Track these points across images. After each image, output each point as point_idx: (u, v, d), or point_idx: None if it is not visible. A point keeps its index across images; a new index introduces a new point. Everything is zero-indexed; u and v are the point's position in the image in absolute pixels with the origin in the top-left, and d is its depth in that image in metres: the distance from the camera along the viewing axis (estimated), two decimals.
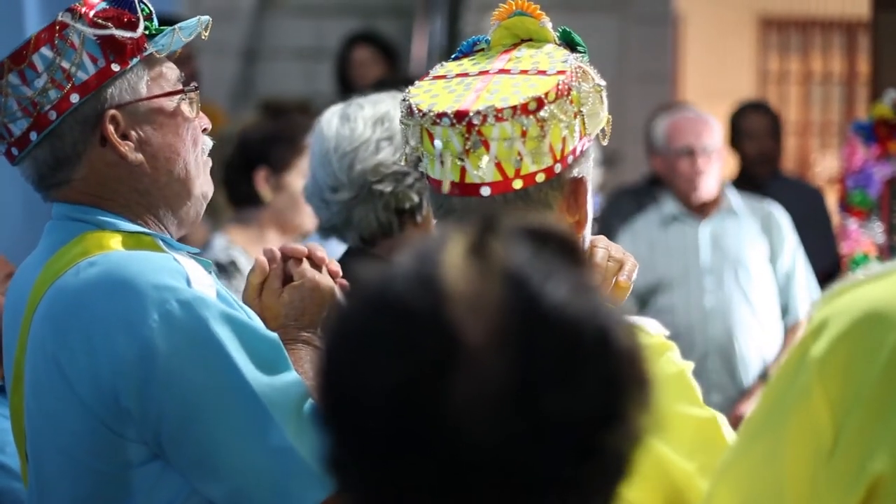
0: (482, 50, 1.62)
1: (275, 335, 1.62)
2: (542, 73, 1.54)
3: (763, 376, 4.11)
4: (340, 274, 1.77)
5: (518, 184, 1.53)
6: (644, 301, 4.23)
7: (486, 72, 1.57)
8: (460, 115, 1.52)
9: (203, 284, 1.60)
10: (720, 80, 10.96)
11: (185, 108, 1.73)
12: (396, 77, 4.73)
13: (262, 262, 1.78)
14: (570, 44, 1.60)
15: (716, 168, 4.19)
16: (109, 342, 1.56)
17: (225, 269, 3.08)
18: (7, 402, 2.79)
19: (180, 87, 1.73)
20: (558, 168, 1.54)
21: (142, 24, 1.68)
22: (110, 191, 1.70)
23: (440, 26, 6.88)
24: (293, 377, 1.58)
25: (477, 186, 1.54)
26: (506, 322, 0.93)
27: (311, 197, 2.24)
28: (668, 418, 1.47)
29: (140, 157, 1.69)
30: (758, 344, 4.11)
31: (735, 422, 3.99)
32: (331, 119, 2.22)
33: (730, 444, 1.50)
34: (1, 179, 4.76)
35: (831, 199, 4.96)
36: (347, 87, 5.24)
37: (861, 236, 4.49)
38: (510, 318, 0.93)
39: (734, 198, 4.25)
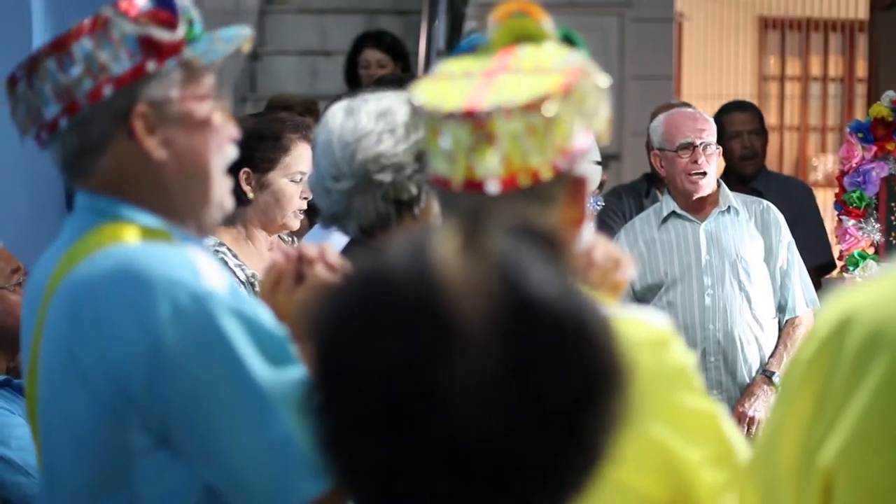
0: (482, 50, 1.63)
1: (283, 331, 1.64)
2: (546, 71, 1.55)
3: (762, 372, 4.13)
4: None
5: (525, 180, 1.53)
6: (643, 299, 4.25)
7: (491, 70, 1.58)
8: (469, 113, 1.52)
9: (214, 279, 1.62)
10: (719, 80, 10.98)
11: (214, 115, 1.76)
12: (397, 75, 4.75)
13: (277, 261, 1.81)
14: (570, 42, 1.61)
15: (714, 165, 4.21)
16: (120, 332, 1.59)
17: None
18: (12, 397, 2.82)
19: (213, 94, 1.76)
20: (564, 165, 1.54)
21: (182, 28, 1.71)
22: (131, 185, 1.73)
23: (441, 26, 6.90)
24: (299, 372, 1.61)
25: (482, 183, 1.54)
26: (498, 310, 0.96)
27: (315, 186, 2.28)
28: (673, 409, 1.52)
29: (164, 155, 1.72)
30: (757, 341, 4.13)
31: (736, 419, 4.03)
32: (336, 112, 2.26)
33: (731, 438, 1.55)
34: (7, 178, 4.79)
35: (829, 199, 4.99)
36: (355, 88, 5.25)
37: (859, 235, 4.52)
38: (502, 307, 0.97)
39: (731, 195, 4.26)
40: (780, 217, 4.23)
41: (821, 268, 4.81)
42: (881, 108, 4.47)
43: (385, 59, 5.62)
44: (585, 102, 1.55)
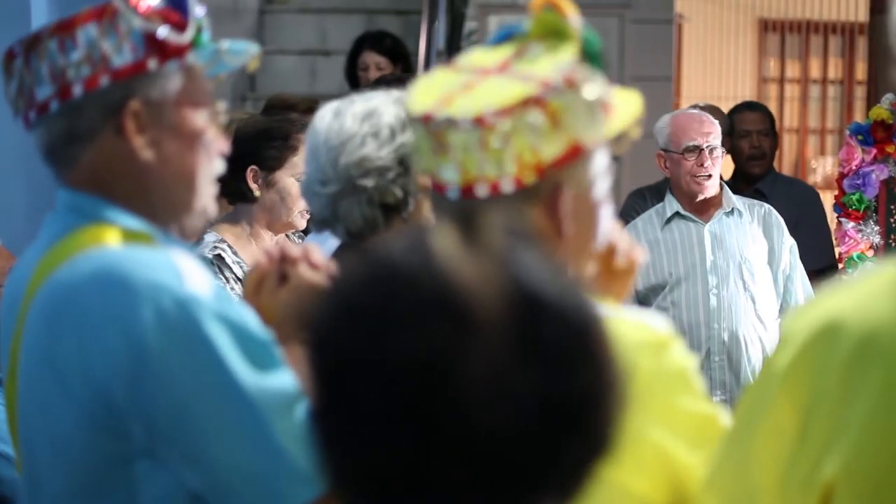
0: (518, 38, 1.61)
1: (269, 335, 1.62)
2: (532, 79, 1.53)
3: None
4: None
5: (482, 190, 1.52)
6: (646, 299, 4.25)
7: (490, 69, 1.57)
8: (426, 119, 1.53)
9: (198, 282, 1.59)
10: (719, 82, 10.98)
11: (207, 124, 1.73)
12: (397, 75, 4.74)
13: (260, 262, 1.79)
14: (588, 54, 1.58)
15: (719, 167, 4.22)
16: (101, 337, 1.56)
17: (209, 265, 3.07)
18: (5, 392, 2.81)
19: (211, 105, 1.74)
20: (530, 178, 1.51)
21: (190, 32, 1.69)
22: (114, 182, 1.69)
23: (441, 26, 6.90)
24: (286, 377, 1.58)
25: (445, 187, 1.54)
26: (510, 304, 0.97)
27: (305, 189, 2.27)
28: (672, 411, 1.51)
29: (151, 156, 1.69)
30: (761, 341, 4.13)
31: None
32: (324, 115, 2.24)
33: (712, 457, 1.53)
34: (5, 176, 4.78)
35: (828, 201, 4.99)
36: (355, 89, 5.26)
37: (858, 237, 4.52)
38: (514, 301, 0.97)
39: (733, 197, 4.27)
40: (781, 220, 4.24)
41: (822, 271, 4.81)
42: (881, 111, 4.46)
43: (384, 62, 5.62)
44: (563, 115, 1.52)
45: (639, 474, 1.50)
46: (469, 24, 7.83)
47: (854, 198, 4.51)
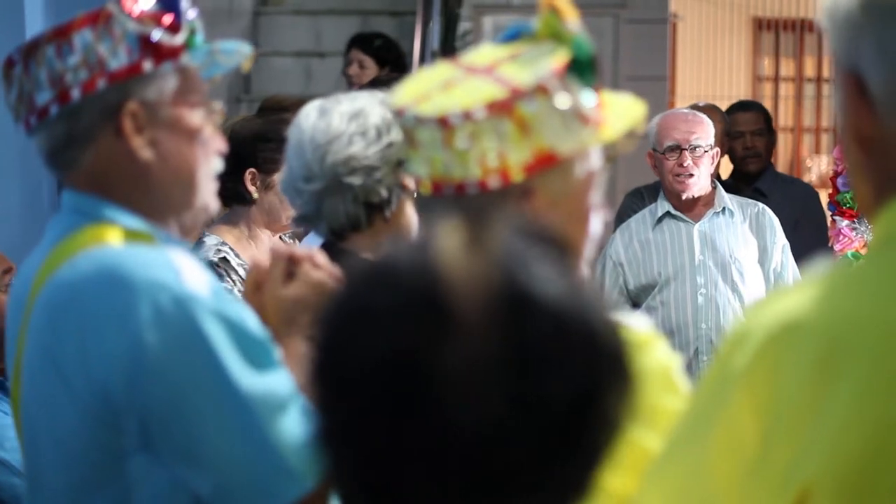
0: (525, 38, 1.62)
1: (266, 334, 1.64)
2: (505, 83, 1.54)
3: None
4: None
5: (448, 190, 1.54)
6: (637, 299, 4.26)
7: (477, 69, 1.59)
8: (398, 113, 1.57)
9: (197, 281, 1.61)
10: (713, 81, 10.99)
11: (204, 123, 1.76)
12: (391, 76, 4.75)
13: (260, 260, 1.81)
14: (577, 60, 1.58)
15: (705, 166, 4.20)
16: (101, 335, 1.58)
17: (216, 268, 3.09)
18: (5, 398, 2.82)
19: (206, 103, 1.77)
20: (495, 182, 1.53)
21: (183, 34, 1.72)
22: (115, 182, 1.73)
23: (436, 27, 6.90)
24: (281, 376, 1.60)
25: (417, 181, 1.57)
26: (497, 304, 0.97)
27: (287, 186, 2.28)
28: (654, 411, 1.51)
29: (150, 155, 1.72)
30: None
31: None
32: (309, 112, 2.26)
33: (658, 453, 1.53)
34: (1, 180, 4.78)
35: (823, 200, 4.99)
36: (349, 87, 5.28)
37: (852, 235, 4.52)
38: (501, 301, 0.97)
39: (726, 197, 4.27)
40: (776, 220, 4.24)
41: None
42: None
43: (368, 62, 5.66)
44: (532, 122, 1.52)
45: (619, 473, 1.49)
46: (464, 25, 7.83)
47: (848, 196, 4.51)
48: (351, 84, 5.56)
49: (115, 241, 1.67)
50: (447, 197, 1.55)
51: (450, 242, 1.00)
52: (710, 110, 4.78)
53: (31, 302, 1.69)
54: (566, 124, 1.55)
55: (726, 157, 5.24)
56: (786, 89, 11.46)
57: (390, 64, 5.63)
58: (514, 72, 1.56)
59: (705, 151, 4.16)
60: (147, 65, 1.71)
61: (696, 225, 4.20)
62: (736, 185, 4.94)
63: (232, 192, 3.12)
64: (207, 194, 1.78)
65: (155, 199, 1.74)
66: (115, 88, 1.70)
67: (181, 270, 1.61)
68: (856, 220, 4.52)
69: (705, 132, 4.19)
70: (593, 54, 1.59)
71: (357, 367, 0.99)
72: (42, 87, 1.71)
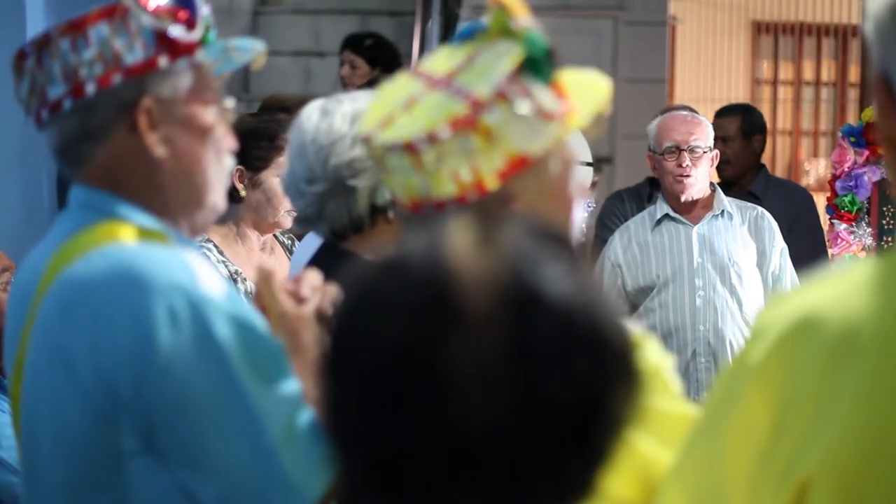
0: (480, 36, 1.62)
1: (278, 341, 1.63)
2: (465, 96, 1.54)
3: None
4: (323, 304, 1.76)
5: (428, 209, 1.54)
6: (636, 301, 4.26)
7: (439, 80, 1.58)
8: (365, 140, 1.57)
9: (212, 284, 1.61)
10: (712, 84, 10.99)
11: (217, 122, 1.75)
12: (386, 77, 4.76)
13: (269, 268, 1.79)
14: (532, 58, 1.58)
15: (704, 168, 4.20)
16: (113, 331, 1.57)
17: None
18: (4, 396, 2.81)
19: (219, 100, 1.76)
20: (472, 195, 1.53)
21: (199, 30, 1.71)
22: (127, 179, 1.71)
23: (435, 27, 6.90)
24: (291, 386, 1.60)
25: (396, 203, 1.58)
26: (506, 302, 0.97)
27: (288, 187, 2.27)
28: (645, 412, 1.51)
29: (164, 152, 1.71)
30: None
31: None
32: (311, 113, 2.25)
33: (680, 447, 1.54)
34: (1, 177, 4.78)
35: (821, 203, 4.99)
36: (344, 89, 5.29)
37: (850, 239, 4.53)
38: (511, 299, 0.98)
39: (725, 200, 4.27)
40: (774, 224, 4.24)
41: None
42: (873, 113, 4.47)
43: (359, 62, 5.67)
44: (499, 131, 1.53)
45: (615, 476, 1.50)
46: (462, 26, 7.83)
47: (846, 199, 4.53)
48: (345, 85, 5.57)
49: (129, 239, 1.66)
50: (429, 215, 1.54)
51: (461, 240, 1.00)
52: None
53: (39, 297, 1.68)
54: (532, 127, 1.55)
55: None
56: (784, 92, 11.46)
57: (382, 64, 5.64)
58: (471, 80, 1.56)
59: (704, 153, 4.15)
60: (163, 60, 1.69)
61: (695, 227, 4.20)
62: (728, 189, 4.91)
63: None
64: (218, 193, 1.77)
65: (167, 196, 1.73)
66: (131, 84, 1.69)
67: (197, 273, 1.60)
68: (854, 224, 4.53)
69: (704, 134, 4.18)
70: (548, 47, 1.58)
71: (367, 361, 0.99)
72: (55, 80, 1.69)
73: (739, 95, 10.73)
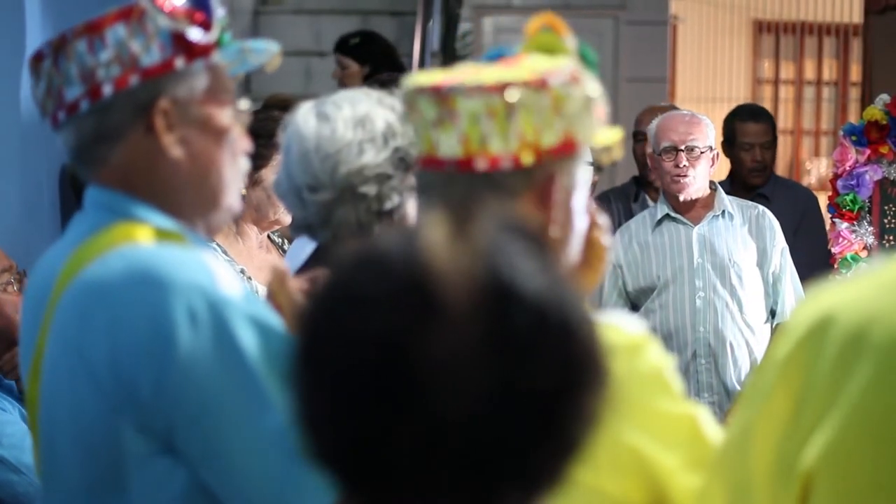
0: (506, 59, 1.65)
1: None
2: (536, 66, 1.57)
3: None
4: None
5: (482, 164, 1.53)
6: (636, 301, 4.25)
7: (494, 63, 1.61)
8: (435, 89, 1.55)
9: (230, 285, 1.61)
10: (713, 83, 11.00)
11: (233, 123, 1.75)
12: (386, 76, 4.76)
13: (281, 268, 1.79)
14: (585, 61, 1.63)
15: (703, 168, 4.18)
16: (133, 332, 1.57)
17: None
18: (3, 395, 2.81)
19: (234, 102, 1.76)
20: (528, 159, 1.53)
21: (215, 31, 1.71)
22: (144, 180, 1.71)
23: (436, 27, 6.90)
24: None
25: (443, 162, 1.56)
26: (482, 295, 0.99)
27: (287, 195, 2.22)
28: (647, 413, 1.51)
29: (180, 153, 1.71)
30: (748, 345, 4.13)
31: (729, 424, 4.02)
32: (307, 117, 2.19)
33: (711, 442, 1.54)
34: (1, 178, 4.78)
35: (822, 202, 4.98)
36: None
37: (852, 238, 4.52)
38: (486, 292, 0.99)
39: (726, 200, 4.26)
40: (776, 223, 4.23)
41: (822, 275, 4.78)
42: (875, 111, 4.46)
43: (347, 61, 5.70)
44: (565, 104, 1.54)
45: (615, 477, 1.50)
46: (463, 26, 7.84)
47: (848, 198, 4.52)
48: (341, 86, 5.58)
49: (146, 239, 1.66)
50: (477, 172, 1.54)
51: (436, 234, 1.01)
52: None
53: (55, 299, 1.67)
54: (589, 112, 1.57)
55: (724, 160, 5.18)
56: (785, 92, 11.47)
57: (372, 59, 5.65)
58: (540, 62, 1.58)
59: (702, 153, 4.14)
60: (179, 62, 1.70)
61: (696, 228, 4.19)
62: (736, 190, 4.89)
63: None
64: (233, 194, 1.77)
65: (182, 197, 1.73)
66: (148, 85, 1.69)
67: (216, 274, 1.60)
68: (855, 223, 4.53)
69: (703, 134, 4.17)
70: (597, 59, 1.63)
71: (343, 353, 1.00)
72: (72, 81, 1.70)
73: (741, 95, 10.73)
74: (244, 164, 1.79)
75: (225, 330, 1.56)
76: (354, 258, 1.04)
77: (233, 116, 1.76)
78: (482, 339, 0.98)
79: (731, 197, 4.31)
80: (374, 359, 0.99)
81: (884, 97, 4.53)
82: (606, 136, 1.62)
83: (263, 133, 3.19)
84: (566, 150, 1.56)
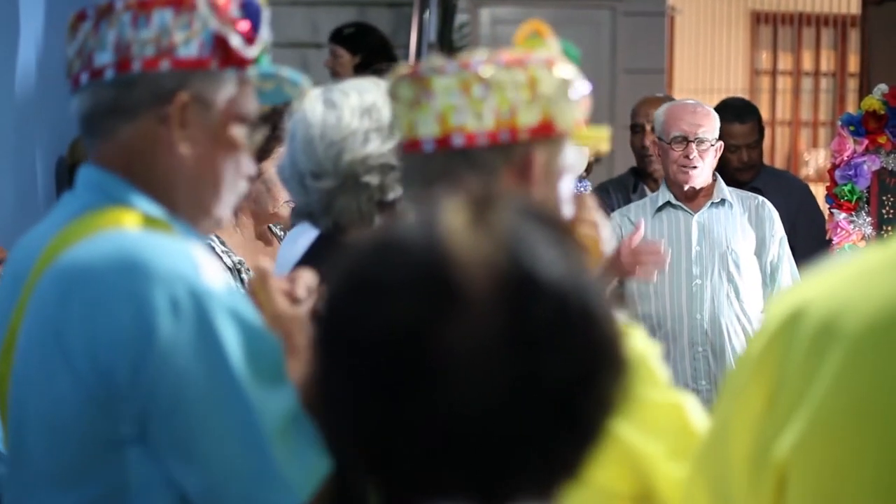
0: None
1: (276, 338, 1.63)
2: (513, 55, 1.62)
3: None
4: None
5: (458, 140, 1.56)
6: (635, 287, 4.25)
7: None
8: (413, 72, 1.60)
9: (214, 276, 1.60)
10: (711, 74, 11.00)
11: (245, 140, 1.75)
12: (377, 67, 4.75)
13: (265, 267, 1.78)
14: (565, 55, 1.66)
15: (709, 159, 4.20)
16: (112, 316, 1.55)
17: None
18: None
19: (251, 123, 1.76)
20: (504, 137, 1.56)
21: (257, 48, 1.72)
22: (144, 166, 1.70)
23: (433, 18, 6.89)
24: (288, 384, 1.59)
25: (421, 142, 1.58)
26: (502, 283, 0.97)
27: (290, 180, 2.22)
28: (632, 402, 1.51)
29: (187, 151, 1.70)
30: (745, 333, 4.14)
31: None
32: (314, 105, 2.19)
33: (696, 429, 1.53)
34: None
35: (820, 193, 4.97)
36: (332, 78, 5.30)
37: (850, 228, 4.51)
38: (506, 281, 0.98)
39: (725, 189, 4.27)
40: (775, 213, 4.24)
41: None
42: (873, 101, 4.46)
43: (340, 51, 5.71)
44: (540, 84, 1.57)
45: (602, 466, 1.49)
46: (460, 17, 7.83)
47: (846, 189, 4.51)
48: (333, 75, 5.59)
49: (133, 225, 1.65)
50: (450, 154, 1.57)
51: (456, 220, 1.00)
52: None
53: (35, 277, 1.65)
54: (565, 95, 1.60)
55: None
56: (783, 83, 11.47)
57: (365, 49, 5.65)
58: (518, 49, 1.63)
59: (711, 145, 4.16)
60: (213, 64, 1.69)
61: (696, 215, 4.20)
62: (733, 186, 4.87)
63: None
64: (226, 208, 1.76)
65: (177, 195, 1.71)
66: (176, 75, 1.68)
67: (200, 264, 1.59)
68: (853, 213, 4.52)
69: (711, 126, 4.18)
70: (579, 56, 1.67)
71: (361, 340, 0.99)
72: (105, 48, 1.69)
73: (738, 86, 10.73)
74: (243, 187, 1.78)
75: (206, 321, 1.55)
76: (372, 244, 1.03)
77: (245, 138, 1.75)
78: (503, 328, 0.97)
79: (730, 188, 4.32)
80: (392, 347, 0.98)
81: (882, 87, 4.52)
82: (593, 134, 1.65)
83: (265, 126, 3.18)
84: (544, 132, 1.58)
